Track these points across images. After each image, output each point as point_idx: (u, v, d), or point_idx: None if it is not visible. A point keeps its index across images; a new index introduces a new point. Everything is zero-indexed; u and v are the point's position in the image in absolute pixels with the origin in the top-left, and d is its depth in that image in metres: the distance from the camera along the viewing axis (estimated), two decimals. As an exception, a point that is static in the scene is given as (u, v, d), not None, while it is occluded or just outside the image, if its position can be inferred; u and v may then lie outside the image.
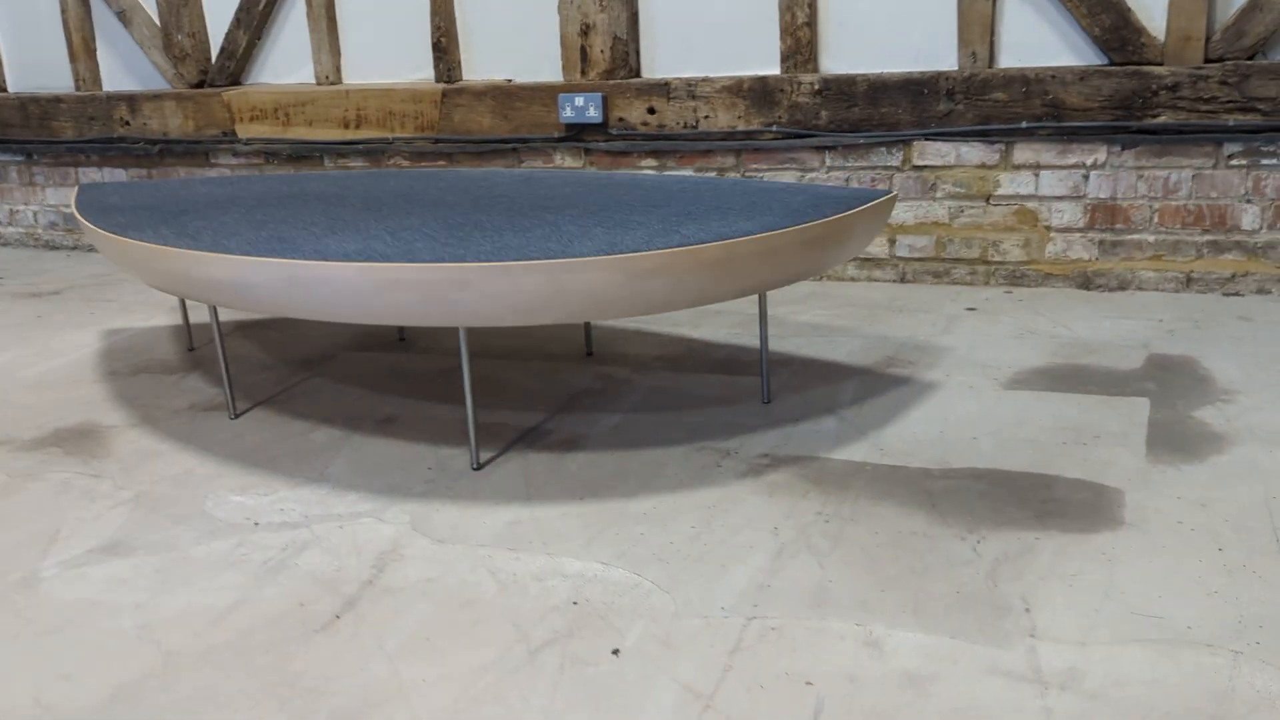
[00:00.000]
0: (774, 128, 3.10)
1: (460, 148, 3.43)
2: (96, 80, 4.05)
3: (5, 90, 4.20)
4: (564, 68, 3.30)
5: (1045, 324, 2.62)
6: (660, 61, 3.27)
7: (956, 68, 2.94)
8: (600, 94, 3.21)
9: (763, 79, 3.07)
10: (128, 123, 3.93)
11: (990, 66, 2.91)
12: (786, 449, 1.97)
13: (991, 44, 2.91)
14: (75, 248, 4.22)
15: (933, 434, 2.00)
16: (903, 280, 3.09)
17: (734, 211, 1.96)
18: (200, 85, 3.88)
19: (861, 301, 2.90)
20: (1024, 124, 2.84)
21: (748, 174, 3.16)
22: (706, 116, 3.16)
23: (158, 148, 3.89)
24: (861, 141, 3.00)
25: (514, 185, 2.41)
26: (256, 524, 1.78)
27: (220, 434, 2.18)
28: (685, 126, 3.18)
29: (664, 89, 3.17)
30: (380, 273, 1.72)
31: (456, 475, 1.92)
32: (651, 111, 3.21)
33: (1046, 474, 1.82)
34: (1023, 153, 2.88)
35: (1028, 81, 2.81)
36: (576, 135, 3.31)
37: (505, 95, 3.34)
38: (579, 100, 3.24)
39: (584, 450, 2.00)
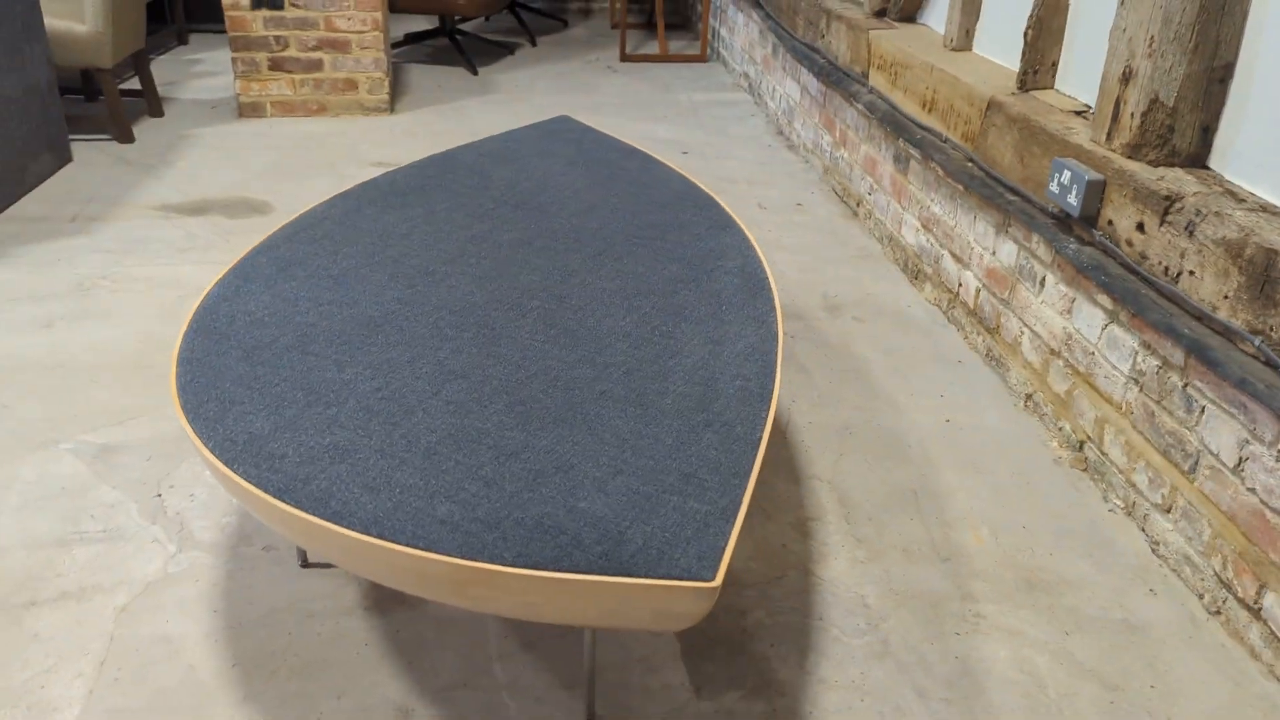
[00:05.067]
0: (1257, 341, 1.71)
1: (982, 183, 2.60)
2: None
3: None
4: (1096, 118, 2.21)
5: None
6: (1244, 141, 1.98)
7: None
8: (1098, 178, 2.10)
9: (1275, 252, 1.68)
10: (823, 36, 3.79)
11: None
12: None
13: None
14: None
15: None
16: (1315, 715, 1.56)
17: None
18: (881, 14, 3.52)
19: (1169, 687, 1.58)
20: None
21: (1190, 389, 1.83)
22: (1192, 273, 1.87)
23: (825, 61, 3.71)
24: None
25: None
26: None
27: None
28: (1165, 273, 1.94)
29: (1166, 203, 1.94)
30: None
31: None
32: (1140, 229, 2.01)
33: None
34: None
35: None
36: (1066, 221, 2.25)
37: (1027, 133, 2.40)
38: (1065, 175, 2.18)
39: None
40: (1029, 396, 2.40)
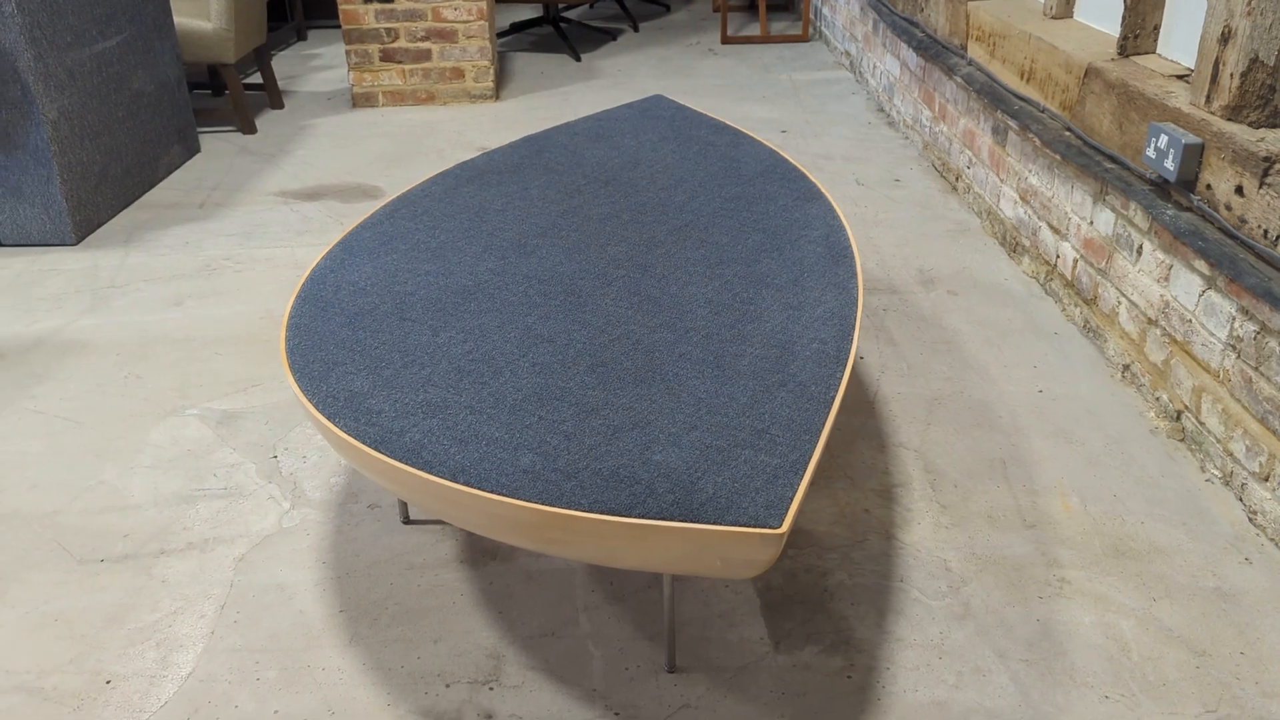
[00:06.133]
0: (1356, 301, 1.66)
1: (1079, 152, 2.55)
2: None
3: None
4: (1195, 80, 2.16)
5: None
6: (1339, 112, 1.91)
7: None
8: (1195, 142, 2.06)
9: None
10: (922, 9, 3.75)
11: None
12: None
13: None
14: None
15: None
16: None
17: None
18: (980, -16, 3.47)
19: (1260, 654, 1.56)
20: None
21: (1287, 355, 1.79)
22: (1291, 234, 1.82)
23: (924, 35, 3.67)
24: None
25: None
26: (282, 450, 2.16)
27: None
28: (1265, 236, 1.89)
29: (1265, 164, 1.89)
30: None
31: None
32: (1239, 192, 1.96)
33: None
34: None
35: None
36: (1164, 187, 2.21)
37: (1125, 98, 2.35)
38: (1162, 139, 2.13)
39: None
40: (1126, 367, 2.35)
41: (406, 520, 1.95)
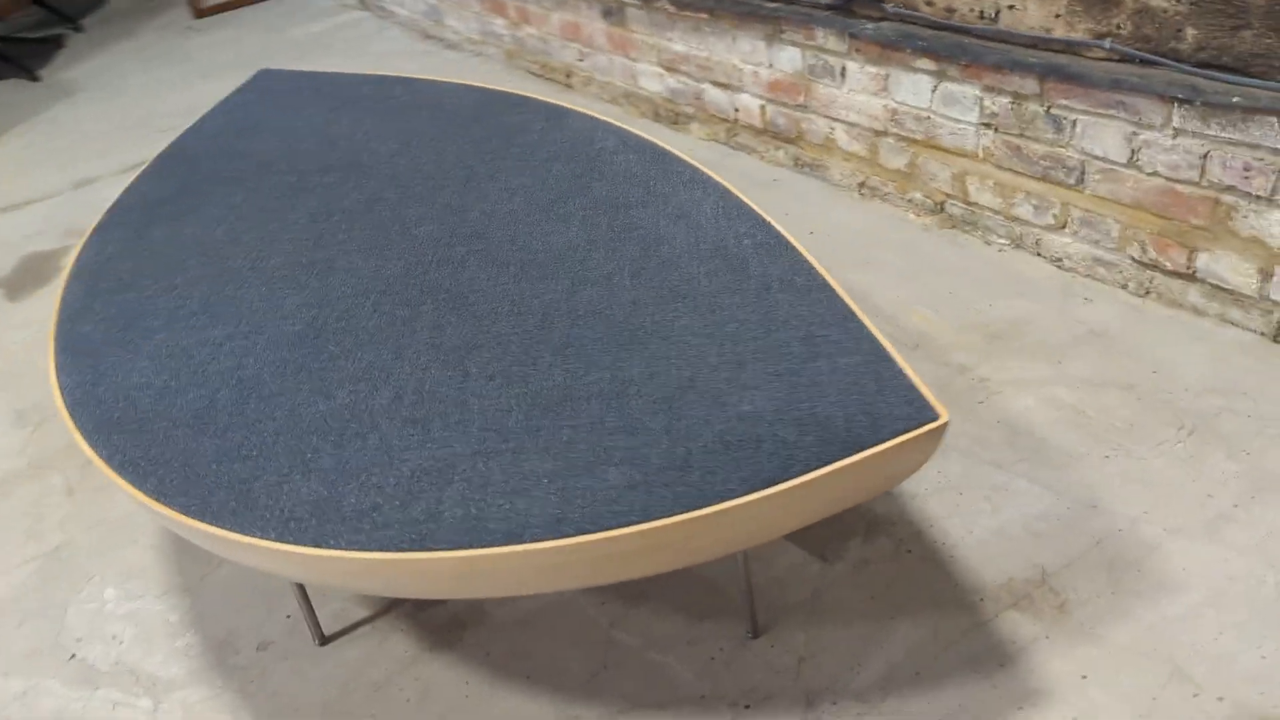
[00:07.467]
0: (1107, 44, 1.85)
1: (731, 3, 2.57)
2: None
3: None
4: (843, -101, 2.24)
5: None
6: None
7: None
8: (873, -49, 2.14)
9: (1100, -42, 1.81)
10: (455, -83, 3.55)
11: None
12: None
13: None
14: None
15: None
16: (1276, 338, 1.81)
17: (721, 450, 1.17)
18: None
19: (1163, 366, 1.75)
20: None
21: (1054, 110, 1.97)
22: (1011, 6, 1.98)
23: (478, -51, 3.49)
24: (1238, 101, 1.67)
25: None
26: None
27: None
28: (981, 17, 2.04)
29: (958, -47, 2.02)
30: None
31: None
32: (940, -14, 2.09)
33: None
34: None
35: None
36: (846, 6, 2.29)
37: (769, -65, 2.39)
38: (842, -41, 2.20)
39: (454, 644, 1.47)
40: (862, 184, 2.47)
41: (323, 640, 1.54)
